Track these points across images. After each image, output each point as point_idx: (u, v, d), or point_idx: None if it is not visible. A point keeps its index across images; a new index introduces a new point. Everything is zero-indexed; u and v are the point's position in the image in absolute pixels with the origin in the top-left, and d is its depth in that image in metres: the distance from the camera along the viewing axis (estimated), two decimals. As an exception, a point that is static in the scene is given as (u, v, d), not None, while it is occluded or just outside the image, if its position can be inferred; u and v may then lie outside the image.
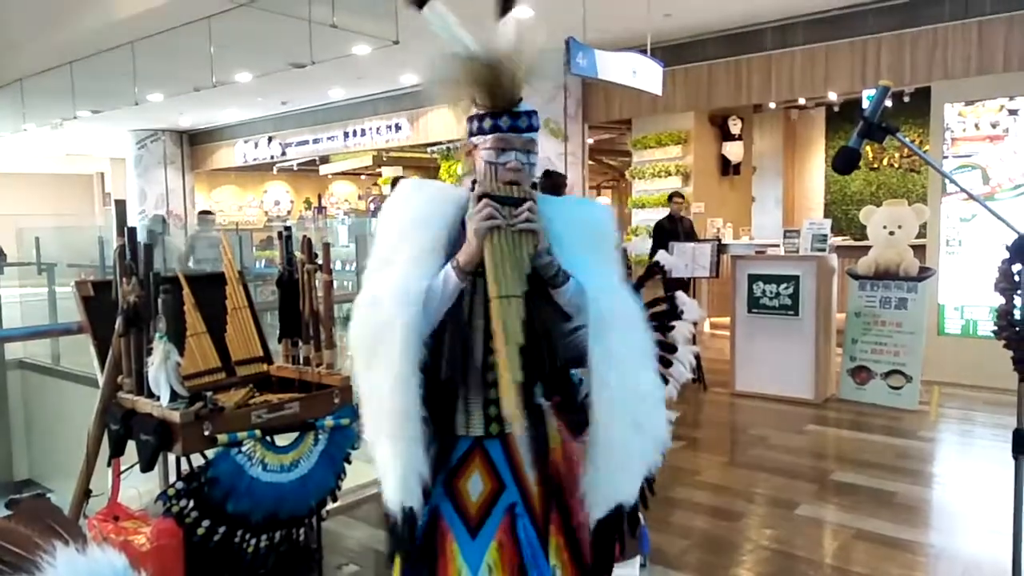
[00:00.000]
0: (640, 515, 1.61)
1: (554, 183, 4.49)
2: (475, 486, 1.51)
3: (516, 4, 1.46)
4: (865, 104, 8.59)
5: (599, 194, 16.60)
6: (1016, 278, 1.91)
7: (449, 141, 11.22)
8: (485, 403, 1.50)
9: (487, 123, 1.45)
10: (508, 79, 1.43)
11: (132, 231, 2.54)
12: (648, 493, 1.65)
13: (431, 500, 1.49)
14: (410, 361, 1.38)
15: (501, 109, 1.44)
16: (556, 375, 1.53)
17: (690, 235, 7.07)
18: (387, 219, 1.50)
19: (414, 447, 1.40)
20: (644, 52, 6.81)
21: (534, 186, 1.52)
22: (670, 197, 7.40)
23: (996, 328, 1.98)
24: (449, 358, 1.43)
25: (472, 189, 1.47)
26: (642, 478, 1.54)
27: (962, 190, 1.89)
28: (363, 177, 17.60)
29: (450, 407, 1.49)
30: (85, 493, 2.52)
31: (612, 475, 1.48)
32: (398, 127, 10.96)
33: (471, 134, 1.48)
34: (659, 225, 7.21)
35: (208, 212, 8.84)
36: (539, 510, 1.53)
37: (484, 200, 1.40)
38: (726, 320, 6.63)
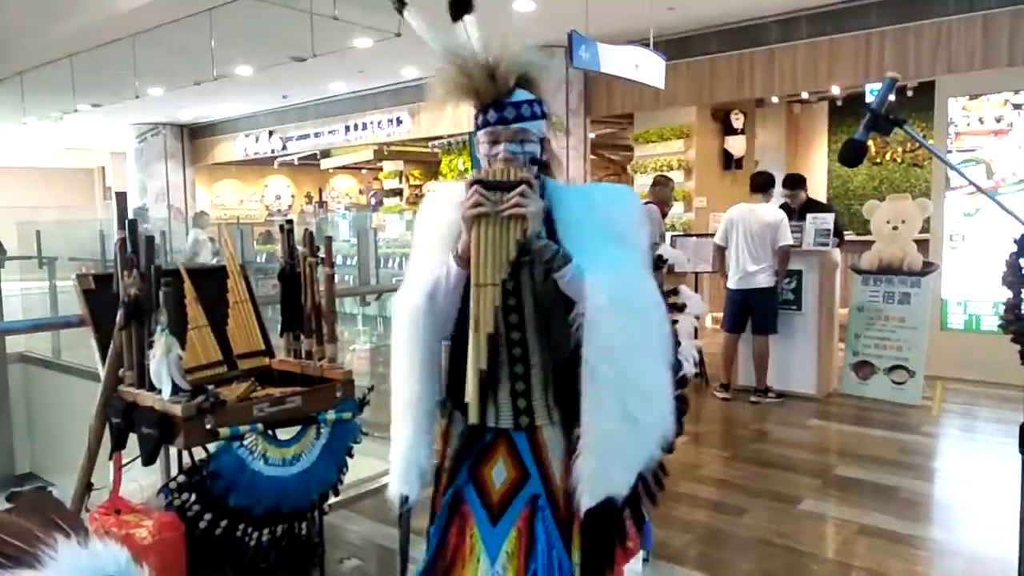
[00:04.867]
0: (644, 511, 1.58)
1: None
2: (499, 474, 1.53)
3: (471, 9, 1.46)
4: (869, 98, 8.56)
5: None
6: (1024, 272, 1.90)
7: (450, 135, 11.20)
8: (513, 395, 1.51)
9: (479, 118, 1.49)
10: (484, 75, 1.44)
11: (133, 224, 2.52)
12: (655, 488, 1.62)
13: (456, 482, 1.55)
14: (418, 349, 1.47)
15: (487, 104, 1.46)
16: (564, 366, 1.48)
17: None
18: (415, 228, 1.61)
19: (417, 436, 1.50)
20: (647, 46, 6.79)
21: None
22: None
23: (1003, 322, 1.97)
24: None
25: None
26: (636, 472, 1.46)
27: (970, 183, 1.88)
28: (364, 171, 17.59)
29: (481, 398, 1.42)
30: (87, 486, 2.51)
31: (602, 466, 1.42)
32: (399, 121, 10.94)
33: (477, 127, 1.51)
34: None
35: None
36: (563, 504, 1.50)
37: (473, 187, 1.39)
38: (728, 315, 6.60)
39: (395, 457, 1.52)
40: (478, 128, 1.49)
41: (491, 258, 1.37)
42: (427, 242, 1.54)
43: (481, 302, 1.35)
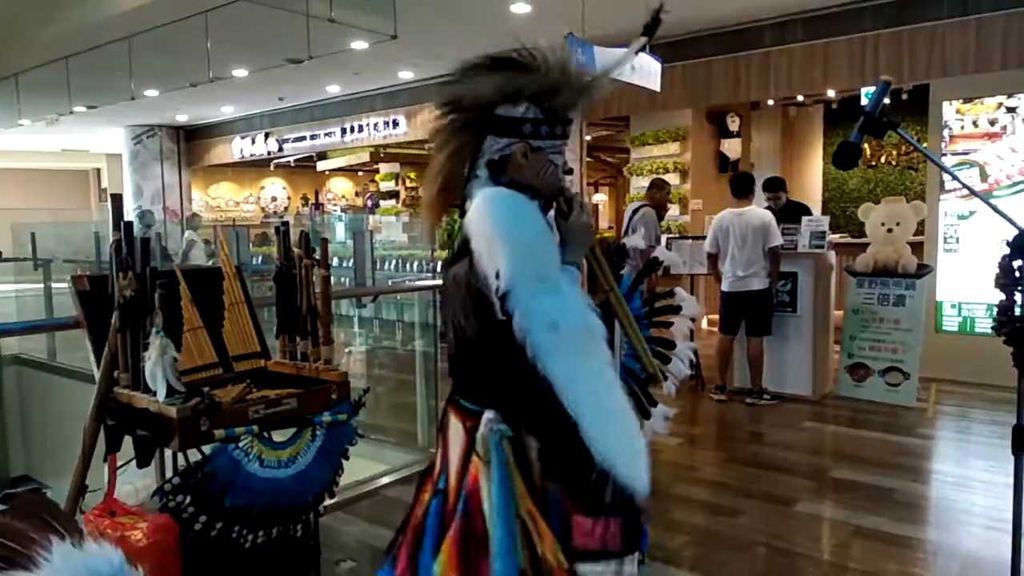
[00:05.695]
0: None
1: None
2: None
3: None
4: (864, 101, 8.59)
5: (596, 191, 16.61)
6: (1017, 274, 1.91)
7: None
8: None
9: (560, 128, 1.50)
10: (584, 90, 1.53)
11: (128, 225, 2.52)
12: None
13: None
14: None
15: (568, 117, 1.52)
16: None
17: None
18: (530, 230, 1.40)
19: None
20: (643, 48, 6.80)
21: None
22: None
23: (996, 324, 1.98)
24: None
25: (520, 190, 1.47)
26: None
27: (964, 185, 1.89)
28: (360, 173, 17.58)
29: None
30: (81, 489, 2.50)
31: None
32: (396, 123, 10.93)
33: (535, 136, 1.48)
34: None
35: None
36: None
37: (583, 206, 1.52)
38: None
39: (639, 448, 1.39)
40: (556, 136, 1.49)
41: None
42: (556, 255, 1.41)
43: (620, 304, 1.59)
